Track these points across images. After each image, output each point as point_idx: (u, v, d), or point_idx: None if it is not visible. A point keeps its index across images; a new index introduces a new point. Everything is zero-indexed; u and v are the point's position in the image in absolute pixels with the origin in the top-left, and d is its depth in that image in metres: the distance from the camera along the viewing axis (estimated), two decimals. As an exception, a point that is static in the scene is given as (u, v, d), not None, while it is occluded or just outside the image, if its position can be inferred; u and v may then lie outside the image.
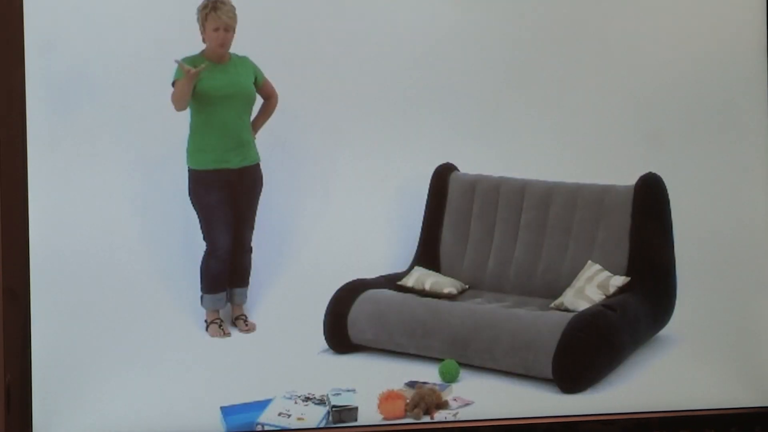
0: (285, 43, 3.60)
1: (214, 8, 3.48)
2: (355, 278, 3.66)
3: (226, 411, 3.10)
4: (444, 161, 3.91)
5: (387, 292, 3.66)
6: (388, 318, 3.56)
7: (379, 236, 3.64)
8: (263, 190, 3.68)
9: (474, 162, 3.88)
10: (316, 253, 3.74)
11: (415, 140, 3.76)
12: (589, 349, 3.30)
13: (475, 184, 3.91)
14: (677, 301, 3.63)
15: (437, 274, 3.83)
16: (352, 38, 3.62)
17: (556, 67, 3.72)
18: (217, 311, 3.62)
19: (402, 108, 3.72)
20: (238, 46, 3.58)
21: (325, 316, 3.59)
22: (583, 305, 3.49)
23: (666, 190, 3.59)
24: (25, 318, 3.06)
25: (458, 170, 3.93)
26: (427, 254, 3.90)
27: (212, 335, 3.56)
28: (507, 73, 3.74)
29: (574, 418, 3.22)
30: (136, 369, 3.28)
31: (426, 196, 3.93)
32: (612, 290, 3.54)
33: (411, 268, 3.85)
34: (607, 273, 3.59)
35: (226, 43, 3.53)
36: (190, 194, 3.57)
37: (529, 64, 3.72)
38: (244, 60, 3.61)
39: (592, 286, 3.56)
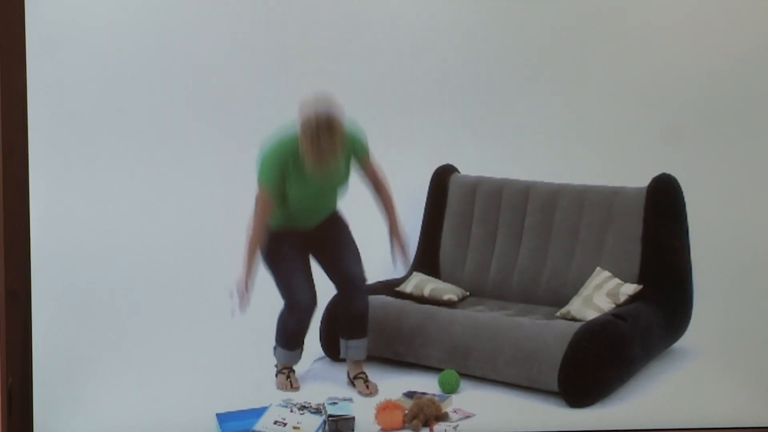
0: (284, 43, 3.57)
1: (317, 151, 3.06)
2: (351, 284, 3.58)
3: (222, 418, 3.10)
4: (444, 162, 3.89)
5: (385, 299, 3.59)
6: (386, 325, 3.49)
7: (377, 240, 3.55)
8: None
9: (475, 163, 3.85)
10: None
11: (413, 140, 3.73)
12: (598, 361, 3.20)
13: (476, 186, 3.86)
14: (694, 311, 3.56)
15: (437, 280, 3.79)
16: (350, 36, 3.60)
17: (562, 62, 3.67)
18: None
19: (399, 106, 3.68)
20: (236, 47, 3.53)
21: (321, 322, 3.53)
22: (591, 314, 3.40)
23: (681, 192, 3.51)
24: (26, 320, 3.08)
25: (459, 172, 3.90)
26: (427, 259, 3.86)
27: (278, 387, 3.34)
28: (510, 68, 3.70)
29: (582, 435, 3.14)
30: (135, 374, 3.33)
31: (425, 199, 3.90)
32: (622, 299, 3.46)
33: (409, 273, 3.80)
34: (617, 280, 3.51)
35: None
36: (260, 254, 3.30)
37: (535, 58, 3.67)
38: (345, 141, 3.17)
39: (601, 294, 3.47)
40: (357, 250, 3.37)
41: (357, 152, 3.25)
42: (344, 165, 3.21)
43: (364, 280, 3.36)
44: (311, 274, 3.35)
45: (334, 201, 3.34)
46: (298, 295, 3.29)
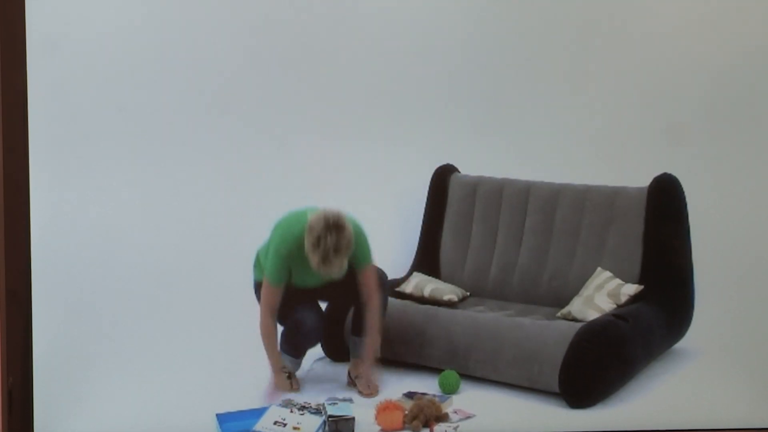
0: (283, 42, 3.57)
1: (322, 256, 3.09)
2: (351, 284, 3.57)
3: (222, 418, 3.10)
4: (444, 162, 3.87)
5: (384, 299, 3.56)
6: (386, 326, 3.44)
7: (377, 241, 3.53)
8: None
9: (475, 163, 3.84)
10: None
11: (413, 140, 3.71)
12: (599, 362, 3.19)
13: (476, 185, 3.84)
14: (695, 311, 3.55)
15: (437, 280, 3.77)
16: (350, 36, 3.59)
17: (563, 62, 3.65)
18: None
19: (400, 106, 3.67)
20: (236, 47, 3.52)
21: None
22: (592, 315, 3.39)
23: (682, 192, 3.50)
24: (26, 320, 3.10)
25: (459, 171, 3.88)
26: (427, 259, 3.84)
27: (276, 386, 3.30)
28: (510, 67, 3.68)
29: (582, 436, 3.13)
30: (135, 374, 3.33)
31: (425, 199, 3.88)
32: (623, 299, 3.44)
33: (410, 273, 3.79)
34: (618, 281, 3.49)
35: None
36: (256, 293, 3.32)
37: (535, 58, 3.66)
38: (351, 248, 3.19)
39: (602, 294, 3.46)
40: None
41: (358, 261, 3.25)
42: (345, 265, 3.20)
43: (385, 273, 3.36)
44: (316, 302, 3.36)
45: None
46: (302, 321, 3.30)
